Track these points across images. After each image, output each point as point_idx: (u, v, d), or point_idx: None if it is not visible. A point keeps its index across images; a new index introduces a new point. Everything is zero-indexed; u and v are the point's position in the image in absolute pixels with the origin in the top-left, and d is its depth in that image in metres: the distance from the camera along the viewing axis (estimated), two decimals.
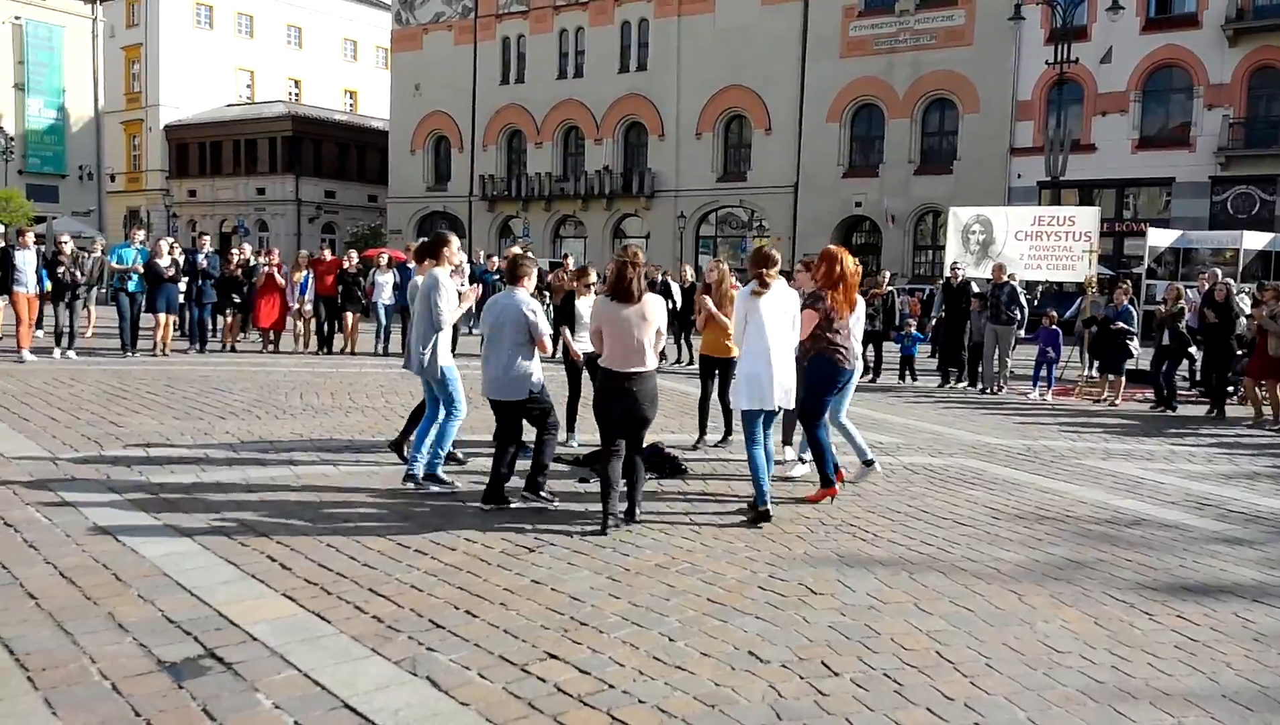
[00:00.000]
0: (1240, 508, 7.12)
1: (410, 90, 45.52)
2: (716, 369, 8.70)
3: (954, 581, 5.09)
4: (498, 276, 15.89)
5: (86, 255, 15.41)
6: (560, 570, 5.01)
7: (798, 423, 7.08)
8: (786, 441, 8.08)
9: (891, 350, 15.62)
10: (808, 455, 7.31)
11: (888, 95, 34.61)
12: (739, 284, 7.90)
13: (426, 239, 7.36)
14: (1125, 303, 13.41)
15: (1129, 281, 16.37)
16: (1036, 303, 17.34)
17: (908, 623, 4.46)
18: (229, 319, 16.07)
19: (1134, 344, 13.24)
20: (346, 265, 16.41)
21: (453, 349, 6.91)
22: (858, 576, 5.10)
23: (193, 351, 15.04)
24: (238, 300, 15.87)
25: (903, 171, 34.49)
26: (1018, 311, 13.64)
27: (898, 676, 3.86)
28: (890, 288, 15.07)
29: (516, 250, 8.20)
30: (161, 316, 14.47)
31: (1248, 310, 12.67)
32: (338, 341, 16.43)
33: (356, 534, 5.51)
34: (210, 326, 16.06)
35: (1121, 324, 13.05)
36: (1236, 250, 22.14)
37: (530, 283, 6.35)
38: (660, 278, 16.81)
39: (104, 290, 15.77)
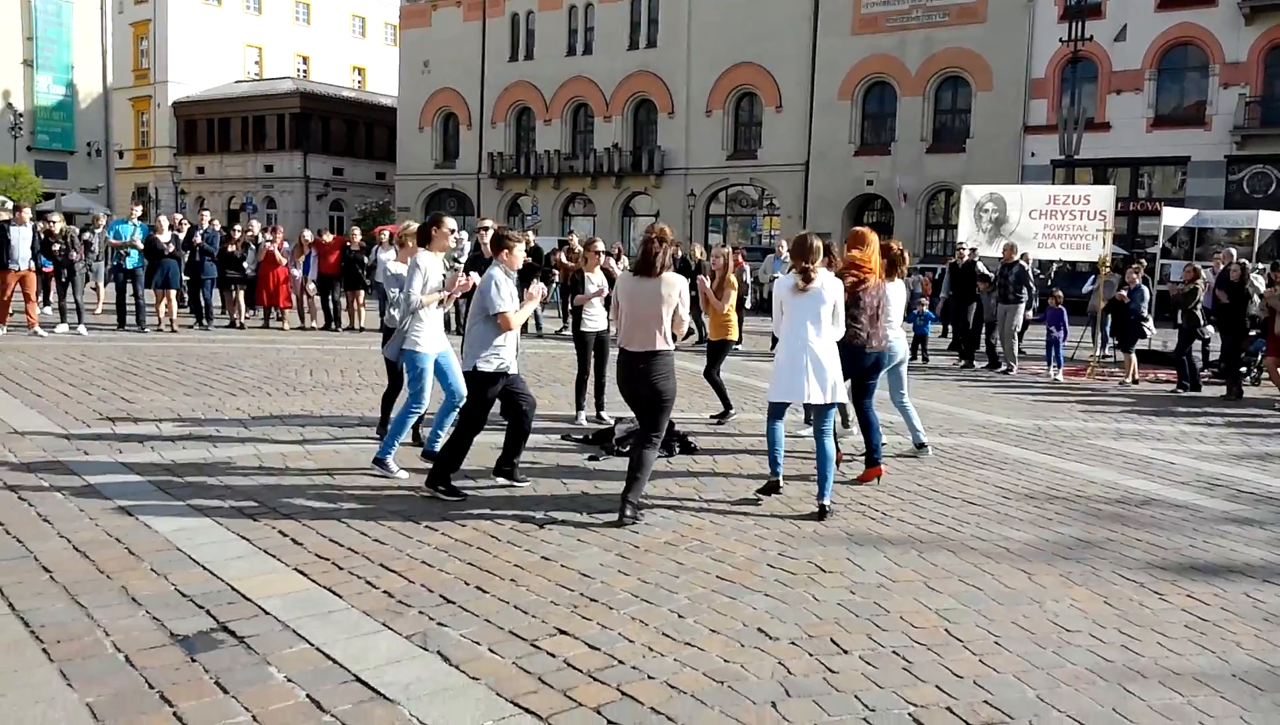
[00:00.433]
0: (1251, 488, 7.09)
1: (419, 67, 45.32)
2: (714, 349, 9.05)
3: (963, 560, 5.09)
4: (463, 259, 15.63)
5: (92, 231, 15.41)
6: (570, 547, 5.03)
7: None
8: (845, 423, 8.27)
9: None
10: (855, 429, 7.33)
11: (900, 72, 34.32)
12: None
13: (411, 223, 7.33)
14: (1138, 282, 13.36)
15: (1144, 261, 16.27)
16: (1050, 282, 17.25)
17: (917, 601, 4.46)
18: (233, 296, 16.07)
19: (1148, 324, 13.20)
20: (349, 244, 16.39)
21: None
22: (867, 555, 5.10)
23: (198, 328, 15.06)
24: (238, 276, 15.85)
25: (915, 150, 34.25)
26: (1025, 292, 13.59)
27: (907, 654, 3.87)
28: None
29: (488, 223, 7.98)
30: (162, 292, 14.46)
31: (1263, 290, 12.57)
32: (343, 320, 16.45)
33: (367, 510, 5.53)
34: (212, 303, 16.05)
35: (1133, 304, 13.02)
36: (1252, 230, 21.95)
37: (514, 256, 5.96)
38: (679, 254, 16.72)
39: (107, 266, 15.78)
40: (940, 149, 33.94)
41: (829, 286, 5.90)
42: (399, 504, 5.71)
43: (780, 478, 6.17)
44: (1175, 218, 23.25)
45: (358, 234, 17.11)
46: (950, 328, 14.96)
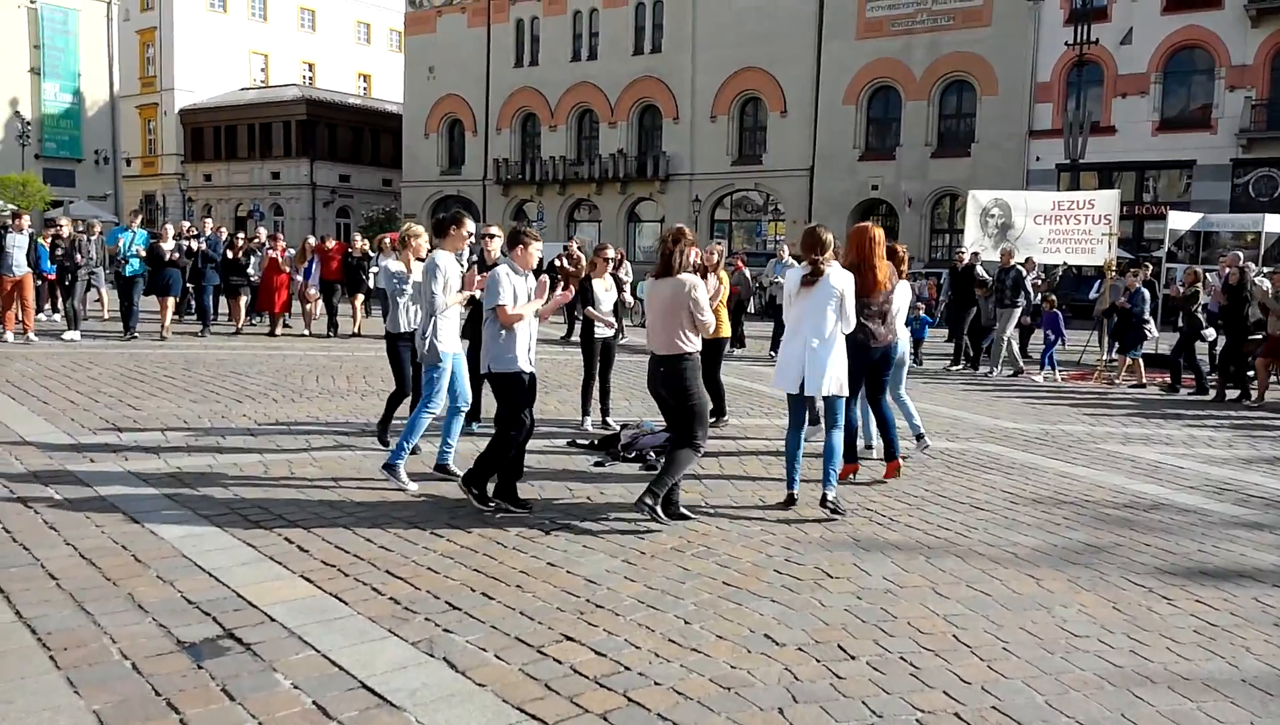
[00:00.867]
0: (1260, 492, 7.06)
1: (424, 73, 45.44)
2: (707, 349, 8.82)
3: (971, 566, 5.07)
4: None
5: (86, 238, 15.45)
6: (575, 553, 5.02)
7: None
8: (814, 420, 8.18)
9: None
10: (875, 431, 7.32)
11: (905, 77, 34.31)
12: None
13: (413, 224, 7.33)
14: (1139, 285, 13.35)
15: (1149, 265, 16.23)
16: (1055, 284, 17.21)
17: (924, 607, 4.44)
18: (235, 302, 16.08)
19: (1150, 327, 13.19)
20: (351, 250, 16.40)
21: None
22: (874, 560, 5.09)
23: (200, 336, 15.05)
24: (241, 282, 15.87)
25: (920, 154, 34.24)
26: (1022, 297, 13.57)
27: (914, 660, 3.85)
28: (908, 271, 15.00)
29: (494, 230, 7.87)
30: (165, 300, 14.47)
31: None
32: (345, 326, 16.45)
33: (373, 517, 5.53)
34: (212, 310, 16.06)
35: (1135, 307, 13.01)
36: (1258, 233, 21.90)
37: (529, 254, 5.87)
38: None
39: (108, 272, 15.81)
40: (945, 153, 33.92)
41: (838, 278, 5.92)
42: (405, 510, 5.71)
43: (796, 493, 6.08)
44: (1181, 222, 23.22)
45: (359, 240, 17.12)
46: (951, 331, 14.94)
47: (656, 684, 3.55)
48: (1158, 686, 3.72)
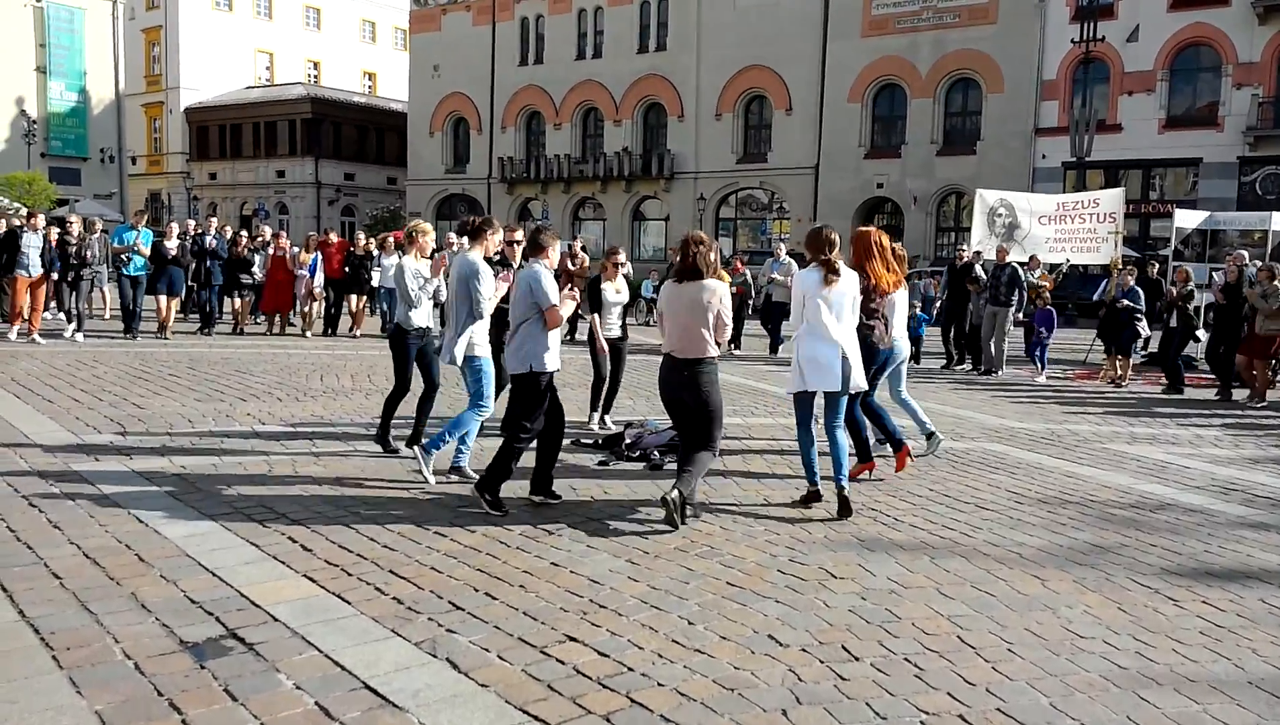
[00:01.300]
0: (1267, 492, 7.03)
1: (429, 72, 45.46)
2: None
3: (976, 566, 5.05)
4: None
5: (89, 236, 15.46)
6: (579, 553, 5.01)
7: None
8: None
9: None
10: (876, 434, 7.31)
11: (910, 75, 34.24)
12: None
13: (420, 221, 7.35)
14: (1132, 283, 13.31)
15: (1156, 263, 16.16)
16: (1060, 281, 17.15)
17: (929, 607, 4.43)
18: (238, 302, 16.07)
19: (1142, 324, 13.16)
20: (354, 249, 16.38)
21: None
22: (878, 561, 5.07)
23: (201, 334, 15.06)
24: (247, 281, 15.87)
25: (925, 152, 34.17)
26: (1015, 295, 13.52)
27: (919, 661, 3.84)
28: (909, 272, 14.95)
29: (519, 236, 7.80)
30: (164, 299, 14.46)
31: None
32: (344, 324, 16.44)
33: (376, 516, 5.53)
34: (217, 309, 16.05)
35: (1127, 302, 12.96)
36: (1266, 231, 21.82)
37: (554, 256, 6.03)
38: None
39: (110, 271, 15.80)
40: (951, 151, 33.84)
41: (848, 278, 6.02)
42: (408, 510, 5.71)
43: (819, 486, 6.10)
44: (1187, 220, 23.12)
45: (362, 237, 17.08)
46: (952, 329, 14.83)
47: (660, 685, 3.54)
48: (1163, 688, 3.70)
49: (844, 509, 5.84)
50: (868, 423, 7.01)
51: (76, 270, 13.97)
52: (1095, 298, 18.64)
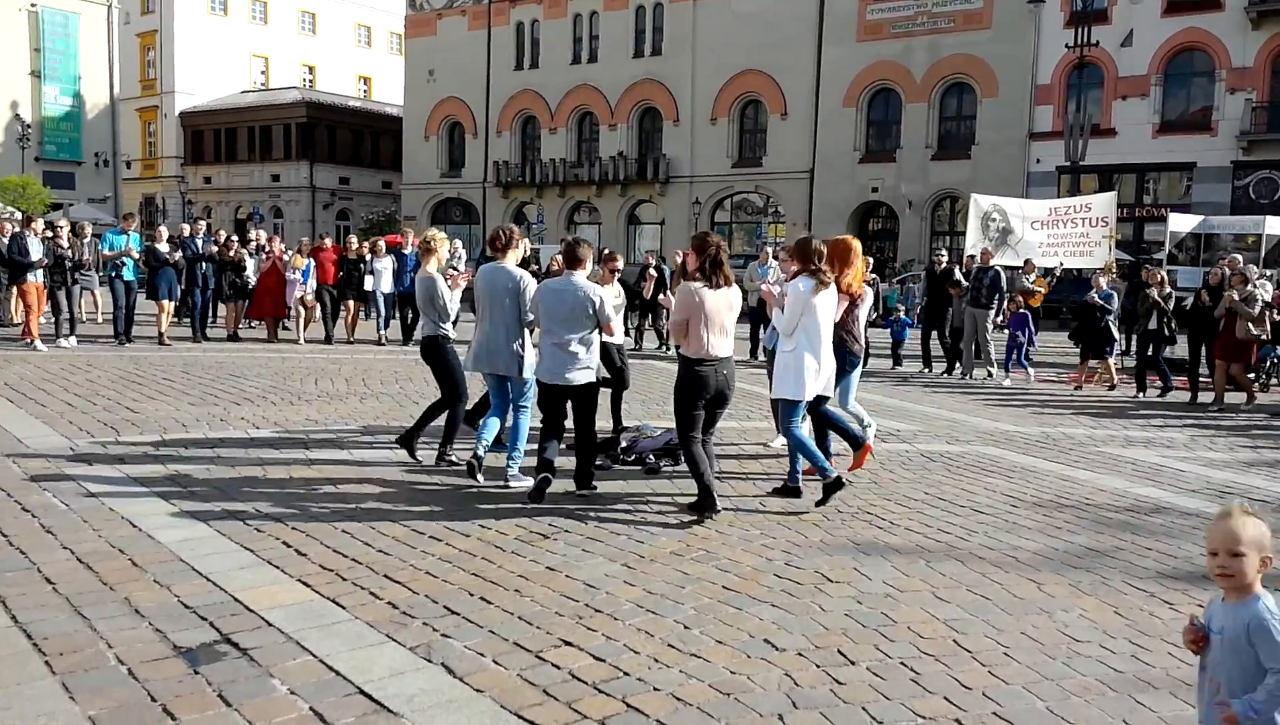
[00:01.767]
0: (1262, 496, 7.03)
1: (424, 76, 45.44)
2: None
3: (972, 570, 5.05)
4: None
5: (79, 241, 15.36)
6: (574, 557, 5.00)
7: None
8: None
9: (881, 337, 15.52)
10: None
11: (905, 79, 34.31)
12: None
13: (432, 232, 7.36)
14: (1105, 286, 13.31)
15: (1149, 267, 16.18)
16: (1054, 285, 17.16)
17: (925, 611, 4.42)
18: (231, 306, 16.00)
19: (1112, 326, 13.23)
20: (347, 253, 16.31)
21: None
22: (874, 564, 5.07)
23: (195, 341, 14.96)
24: (239, 283, 15.81)
25: (920, 157, 34.23)
26: (997, 298, 13.51)
27: (915, 665, 3.83)
28: (873, 275, 14.88)
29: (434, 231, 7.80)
30: (163, 303, 14.38)
31: (1268, 297, 12.50)
32: (340, 330, 16.38)
33: (371, 520, 5.51)
34: (211, 314, 15.94)
35: (1096, 298, 12.98)
36: (1259, 235, 21.89)
37: (588, 267, 6.27)
38: (655, 263, 16.89)
39: (102, 275, 15.71)
40: (945, 156, 33.91)
41: (831, 288, 6.31)
42: (403, 514, 5.69)
43: (830, 475, 6.17)
44: (1181, 224, 23.20)
45: (355, 242, 17.00)
46: (935, 333, 14.80)
47: (655, 689, 3.53)
48: (1159, 691, 3.70)
49: (833, 487, 6.11)
50: (844, 418, 7.09)
51: (69, 273, 13.88)
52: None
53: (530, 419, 6.69)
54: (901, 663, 3.85)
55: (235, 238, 16.98)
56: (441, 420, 7.01)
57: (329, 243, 16.96)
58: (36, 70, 41.47)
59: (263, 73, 54.72)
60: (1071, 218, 16.31)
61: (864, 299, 7.18)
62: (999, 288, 13.60)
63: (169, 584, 4.36)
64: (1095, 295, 13.14)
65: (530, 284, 6.48)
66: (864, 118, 35.58)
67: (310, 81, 55.38)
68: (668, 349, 15.71)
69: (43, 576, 4.40)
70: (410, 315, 15.82)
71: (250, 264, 16.05)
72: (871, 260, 15.24)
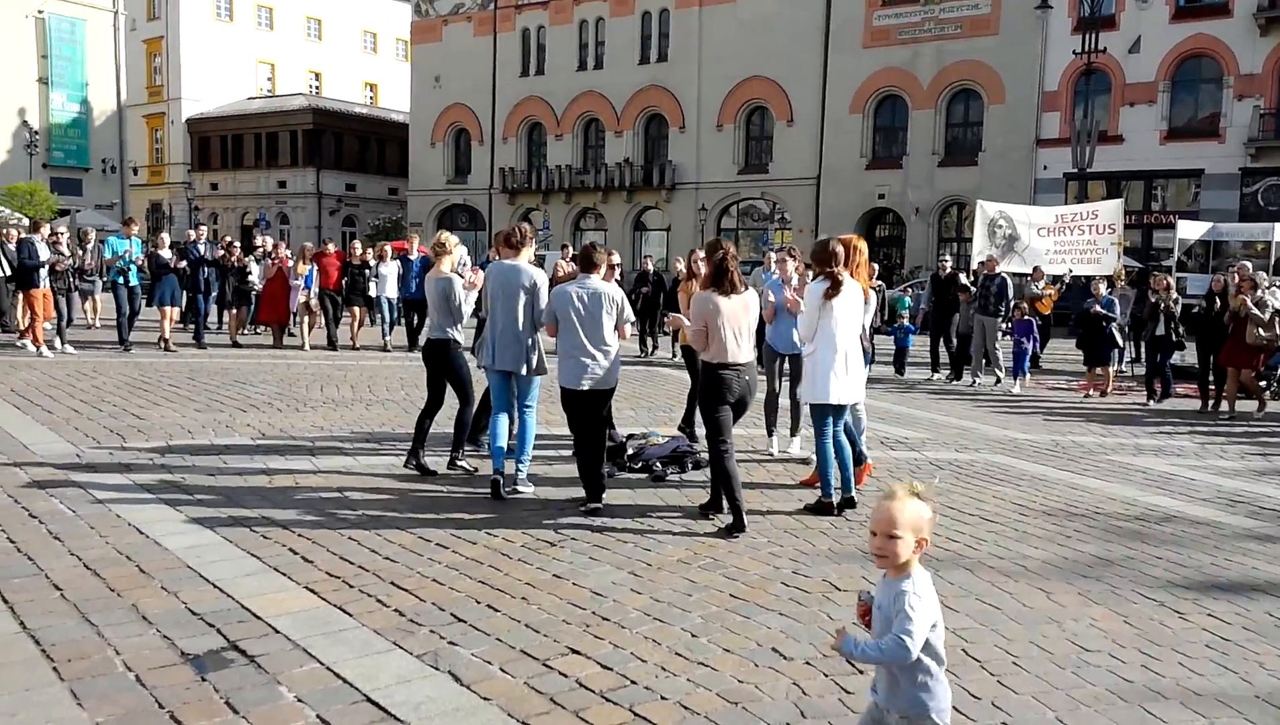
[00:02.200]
0: (1273, 505, 7.00)
1: (430, 82, 45.55)
2: (691, 358, 8.89)
3: (981, 579, 5.02)
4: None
5: (83, 246, 15.36)
6: (581, 565, 4.99)
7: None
8: (794, 432, 8.17)
9: (885, 343, 15.48)
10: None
11: (911, 86, 34.30)
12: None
13: (445, 233, 7.34)
14: (1105, 293, 13.27)
15: (1158, 274, 16.13)
16: (1064, 292, 17.10)
17: None
18: (232, 312, 16.01)
19: (1116, 334, 13.18)
20: (350, 258, 16.33)
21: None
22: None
23: (198, 347, 14.96)
24: (243, 289, 15.82)
25: (927, 163, 34.20)
26: (1004, 305, 13.48)
27: None
28: (879, 282, 14.85)
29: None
30: (166, 309, 14.39)
31: (1278, 304, 12.43)
32: (343, 335, 16.38)
33: (378, 527, 5.50)
34: (216, 318, 15.93)
35: (1098, 307, 12.94)
36: (1269, 242, 21.81)
37: (603, 271, 6.28)
38: (652, 269, 17.14)
39: (104, 280, 15.73)
40: (952, 162, 33.87)
41: (854, 288, 6.21)
42: (410, 522, 5.68)
43: (833, 499, 6.15)
44: (1190, 231, 23.13)
45: (358, 247, 17.00)
46: (940, 340, 14.76)
47: (663, 698, 3.51)
48: (1170, 701, 3.67)
49: (821, 510, 6.12)
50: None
51: (70, 278, 13.91)
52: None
53: (536, 423, 6.66)
54: None
55: (237, 243, 17.00)
56: (441, 424, 6.99)
57: (332, 248, 16.98)
58: (44, 77, 41.70)
59: (269, 79, 54.87)
60: (1078, 225, 16.27)
61: (868, 302, 7.12)
62: (1006, 296, 13.58)
63: (176, 591, 4.35)
64: (1096, 305, 13.11)
65: (544, 282, 6.45)
66: (870, 124, 35.57)
67: (316, 88, 55.53)
68: (674, 357, 15.76)
69: (50, 583, 4.41)
70: (415, 320, 15.86)
71: (255, 270, 16.08)
72: (877, 267, 15.27)
